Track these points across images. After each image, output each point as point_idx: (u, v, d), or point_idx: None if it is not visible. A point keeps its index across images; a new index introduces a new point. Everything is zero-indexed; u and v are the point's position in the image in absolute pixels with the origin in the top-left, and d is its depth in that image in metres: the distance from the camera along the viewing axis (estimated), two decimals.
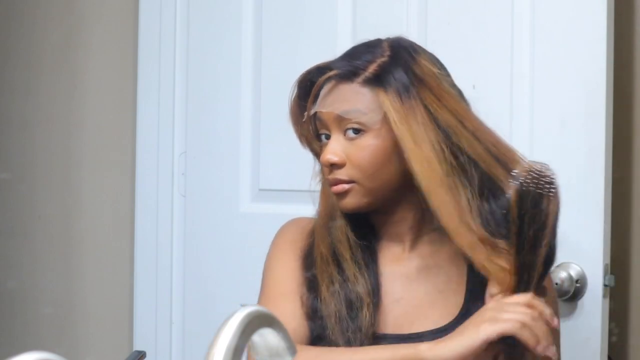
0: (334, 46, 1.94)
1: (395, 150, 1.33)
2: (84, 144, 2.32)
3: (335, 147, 1.34)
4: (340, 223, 1.39)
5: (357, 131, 1.33)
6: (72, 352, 2.25)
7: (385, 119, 1.32)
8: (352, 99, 1.34)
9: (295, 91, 1.40)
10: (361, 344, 1.31)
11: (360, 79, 1.34)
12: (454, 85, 1.37)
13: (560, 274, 1.75)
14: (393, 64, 1.34)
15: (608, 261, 1.76)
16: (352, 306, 1.33)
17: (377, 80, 1.33)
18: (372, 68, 1.34)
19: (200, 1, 2.17)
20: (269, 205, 2.04)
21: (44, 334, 2.33)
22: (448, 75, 1.38)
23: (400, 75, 1.33)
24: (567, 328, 1.71)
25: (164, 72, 2.19)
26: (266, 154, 2.08)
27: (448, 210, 1.29)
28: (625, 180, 1.85)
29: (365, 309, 1.33)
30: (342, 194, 1.35)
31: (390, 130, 1.32)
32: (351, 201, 1.35)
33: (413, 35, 1.84)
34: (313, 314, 1.35)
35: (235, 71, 2.11)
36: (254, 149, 2.09)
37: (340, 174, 1.34)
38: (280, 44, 2.07)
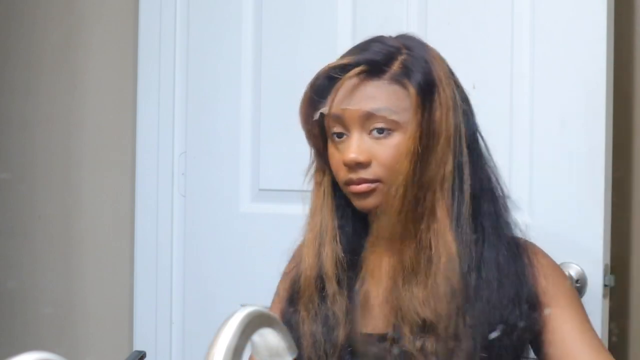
0: (334, 46, 1.94)
1: (416, 149, 1.32)
2: (84, 144, 2.32)
3: (360, 146, 1.32)
4: (330, 235, 1.37)
5: (382, 130, 1.31)
6: (72, 352, 2.25)
7: (415, 117, 1.31)
8: (382, 97, 1.31)
9: (309, 88, 1.36)
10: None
11: (388, 76, 1.32)
12: (458, 85, 1.38)
13: None
14: (415, 62, 1.33)
15: (608, 261, 1.76)
16: (327, 324, 1.33)
17: (406, 77, 1.32)
18: (396, 65, 1.32)
19: (200, 1, 2.17)
20: (269, 205, 2.04)
21: (44, 334, 2.33)
22: (453, 74, 1.38)
23: (424, 72, 1.33)
24: None
25: (164, 72, 2.20)
26: (266, 154, 2.08)
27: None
28: (625, 180, 1.85)
29: (340, 329, 1.32)
30: (365, 194, 1.33)
31: (420, 128, 1.31)
32: (372, 201, 1.33)
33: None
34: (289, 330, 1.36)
35: (235, 71, 2.11)
36: (254, 149, 2.09)
37: (366, 174, 1.32)
38: (280, 44, 2.07)
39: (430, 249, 1.31)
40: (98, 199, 2.31)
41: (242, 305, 1.19)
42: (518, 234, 1.39)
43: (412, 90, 1.31)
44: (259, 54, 2.09)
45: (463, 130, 1.34)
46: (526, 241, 1.39)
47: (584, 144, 1.76)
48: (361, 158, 1.31)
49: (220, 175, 2.13)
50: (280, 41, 2.07)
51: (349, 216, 1.39)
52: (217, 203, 2.13)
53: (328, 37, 1.98)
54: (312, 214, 1.40)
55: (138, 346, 2.15)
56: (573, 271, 1.75)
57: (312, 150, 1.41)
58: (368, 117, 1.31)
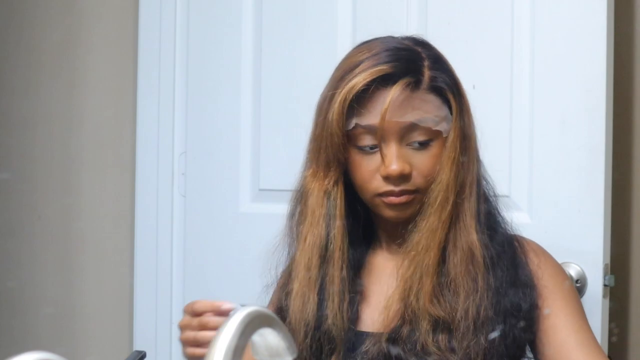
0: (334, 46, 1.94)
1: (458, 155, 1.33)
2: (84, 143, 2.32)
3: (401, 157, 1.30)
4: (337, 246, 1.36)
5: (420, 142, 1.30)
6: (72, 352, 2.25)
7: (456, 124, 1.31)
8: (422, 107, 1.30)
9: (347, 95, 1.30)
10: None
11: (424, 85, 1.31)
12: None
13: None
14: (439, 67, 1.33)
15: (608, 261, 1.76)
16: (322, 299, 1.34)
17: (441, 85, 1.31)
18: (426, 73, 1.31)
19: (200, 1, 2.17)
20: (269, 205, 2.04)
21: (44, 334, 2.33)
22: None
23: (451, 77, 1.34)
24: None
25: (164, 72, 2.19)
26: (266, 154, 2.08)
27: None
28: (625, 180, 1.86)
29: (334, 304, 1.33)
30: (403, 205, 1.32)
31: (456, 135, 1.31)
32: (410, 211, 1.33)
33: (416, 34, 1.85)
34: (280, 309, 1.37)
35: (235, 71, 2.11)
36: (254, 149, 2.09)
37: (408, 185, 1.31)
38: (280, 45, 2.07)
39: (456, 249, 1.31)
40: (98, 199, 2.31)
41: (242, 305, 1.19)
42: (510, 232, 1.39)
43: (451, 97, 1.32)
44: (259, 54, 2.09)
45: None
46: (526, 239, 1.39)
47: (584, 144, 1.76)
48: (406, 170, 1.30)
49: (220, 175, 2.13)
50: (280, 42, 2.07)
51: (357, 224, 1.39)
52: (217, 203, 2.13)
53: (328, 38, 1.98)
54: (310, 223, 1.37)
55: (138, 346, 2.15)
56: (573, 271, 1.75)
57: (323, 157, 1.35)
58: (410, 129, 1.30)
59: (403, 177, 1.30)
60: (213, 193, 2.14)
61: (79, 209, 2.33)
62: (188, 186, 2.17)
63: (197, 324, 1.26)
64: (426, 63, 1.32)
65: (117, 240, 2.28)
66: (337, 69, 1.36)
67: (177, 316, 2.17)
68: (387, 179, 1.30)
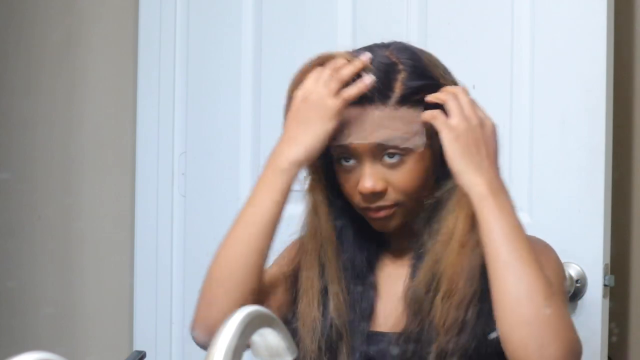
0: (334, 46, 1.93)
1: (433, 165, 1.32)
2: (84, 144, 2.32)
3: (374, 175, 1.29)
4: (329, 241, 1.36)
5: (393, 155, 1.29)
6: (72, 352, 2.25)
7: (429, 139, 1.29)
8: (390, 125, 1.28)
9: None
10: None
11: (392, 100, 1.29)
12: (456, 84, 1.37)
13: None
14: (417, 76, 1.30)
15: (608, 261, 1.75)
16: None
17: (411, 100, 1.29)
18: (398, 87, 1.29)
19: (200, 1, 2.17)
20: None
21: (44, 334, 2.33)
22: (449, 73, 1.37)
23: (429, 86, 1.31)
24: None
25: (164, 72, 2.20)
26: (266, 154, 2.07)
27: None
28: (625, 180, 1.86)
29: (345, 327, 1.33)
30: (385, 218, 1.32)
31: (429, 148, 1.30)
32: (393, 223, 1.32)
33: (413, 35, 1.85)
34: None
35: (235, 71, 2.11)
36: (254, 149, 2.09)
37: (384, 201, 1.30)
38: (280, 44, 2.07)
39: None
40: (98, 199, 2.31)
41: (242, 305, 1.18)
42: None
43: (421, 111, 1.29)
44: (259, 54, 2.09)
45: None
46: (531, 237, 1.39)
47: (584, 144, 1.75)
48: (378, 187, 1.29)
49: (220, 175, 2.13)
50: (280, 41, 2.07)
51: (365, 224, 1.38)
52: (217, 203, 2.13)
53: (328, 38, 1.98)
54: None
55: (138, 346, 2.15)
56: (573, 271, 1.75)
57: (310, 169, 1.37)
58: (380, 148, 1.29)
59: (376, 195, 1.29)
60: (213, 193, 2.14)
61: (79, 209, 2.33)
62: (188, 186, 2.17)
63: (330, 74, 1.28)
64: (401, 76, 1.30)
65: (117, 240, 2.28)
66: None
67: (177, 316, 2.17)
68: (363, 196, 1.30)
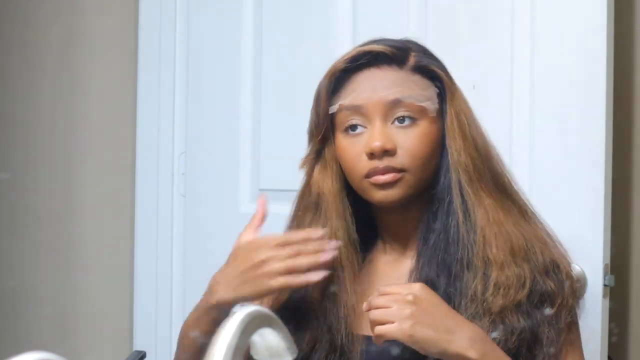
0: (334, 46, 1.94)
1: (440, 141, 1.32)
2: (84, 144, 2.32)
3: (385, 133, 1.29)
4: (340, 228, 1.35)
5: (404, 119, 1.29)
6: (72, 352, 2.25)
7: (440, 109, 1.31)
8: (407, 85, 1.30)
9: (328, 80, 1.33)
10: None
11: (409, 66, 1.32)
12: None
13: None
14: (426, 55, 1.34)
15: (608, 261, 1.75)
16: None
17: (427, 70, 1.32)
18: (412, 58, 1.32)
19: (200, 1, 2.17)
20: (269, 205, 2.04)
21: (44, 334, 2.33)
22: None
23: (437, 63, 1.34)
24: None
25: (164, 72, 2.20)
26: (266, 154, 2.08)
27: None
28: (625, 180, 1.85)
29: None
30: (389, 185, 1.29)
31: (440, 121, 1.31)
32: (397, 192, 1.30)
33: (413, 35, 1.85)
34: None
35: (235, 71, 2.11)
36: (254, 149, 2.09)
37: (393, 162, 1.29)
38: (280, 44, 2.07)
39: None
40: (98, 199, 2.31)
41: (242, 305, 1.18)
42: None
43: (442, 76, 1.32)
44: (259, 53, 2.09)
45: None
46: None
47: (583, 144, 1.75)
48: (388, 145, 1.28)
49: (220, 175, 2.13)
50: (280, 41, 2.07)
51: (357, 217, 1.38)
52: (217, 203, 2.13)
53: (328, 38, 1.98)
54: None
55: (138, 346, 2.15)
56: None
57: (314, 147, 1.37)
58: (393, 106, 1.29)
59: (386, 153, 1.28)
60: (213, 193, 2.14)
61: (79, 209, 2.33)
62: (188, 186, 2.17)
63: (289, 252, 1.26)
64: (413, 52, 1.33)
65: (117, 240, 2.28)
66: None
67: (177, 316, 2.17)
68: (372, 156, 1.29)
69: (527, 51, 1.80)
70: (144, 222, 2.22)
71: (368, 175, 1.30)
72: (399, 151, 1.29)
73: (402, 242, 1.38)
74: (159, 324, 2.19)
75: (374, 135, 1.29)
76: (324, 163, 1.37)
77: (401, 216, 1.35)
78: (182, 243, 2.18)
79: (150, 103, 2.21)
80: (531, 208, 1.39)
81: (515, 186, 1.39)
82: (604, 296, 1.75)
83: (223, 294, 1.31)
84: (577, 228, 1.74)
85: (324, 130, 1.34)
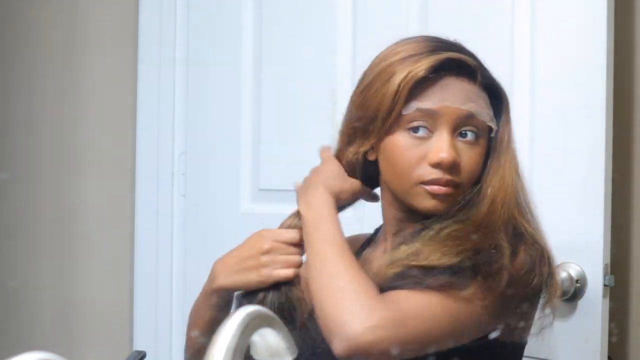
0: (334, 46, 1.94)
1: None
2: (84, 144, 2.32)
3: (454, 147, 1.26)
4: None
5: (466, 134, 1.28)
6: (72, 352, 2.25)
7: (506, 125, 1.31)
8: (478, 101, 1.29)
9: (412, 81, 1.26)
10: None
11: (479, 81, 1.30)
12: None
13: (560, 274, 1.74)
14: (490, 76, 1.33)
15: (608, 261, 1.75)
16: None
17: (492, 88, 1.32)
18: (480, 72, 1.31)
19: (200, 1, 2.17)
20: (269, 205, 2.04)
21: (44, 334, 2.33)
22: None
23: (503, 91, 1.34)
24: (567, 328, 1.71)
25: (164, 72, 2.20)
26: (266, 154, 2.08)
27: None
28: (625, 180, 1.85)
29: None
30: (440, 196, 1.27)
31: (489, 141, 1.30)
32: (447, 204, 1.28)
33: (413, 35, 1.85)
34: None
35: (235, 71, 2.11)
36: (254, 149, 2.09)
37: (455, 177, 1.27)
38: (280, 44, 2.07)
39: None
40: (98, 199, 2.31)
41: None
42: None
43: (502, 98, 1.32)
44: (259, 54, 2.09)
45: None
46: None
47: (583, 144, 1.75)
48: (457, 160, 1.27)
49: (220, 175, 2.13)
50: (280, 41, 2.07)
51: None
52: (217, 203, 2.13)
53: (328, 37, 1.98)
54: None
55: (138, 346, 2.15)
56: (573, 271, 1.75)
57: (368, 143, 1.32)
58: (465, 119, 1.27)
59: (453, 166, 1.26)
60: (213, 193, 2.14)
61: (79, 209, 2.33)
62: (188, 186, 2.17)
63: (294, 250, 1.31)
64: (479, 63, 1.32)
65: (117, 240, 2.28)
66: (392, 53, 1.31)
67: (177, 316, 2.17)
68: (437, 166, 1.26)
69: (527, 51, 1.80)
70: (144, 222, 2.22)
71: (427, 183, 1.27)
72: (461, 167, 1.28)
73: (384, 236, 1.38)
74: (159, 324, 2.19)
75: (444, 146, 1.26)
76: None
77: (419, 220, 1.33)
78: (182, 243, 2.18)
79: (150, 103, 2.21)
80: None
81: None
82: (604, 296, 1.75)
83: (222, 279, 1.36)
84: (577, 228, 1.74)
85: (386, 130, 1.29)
